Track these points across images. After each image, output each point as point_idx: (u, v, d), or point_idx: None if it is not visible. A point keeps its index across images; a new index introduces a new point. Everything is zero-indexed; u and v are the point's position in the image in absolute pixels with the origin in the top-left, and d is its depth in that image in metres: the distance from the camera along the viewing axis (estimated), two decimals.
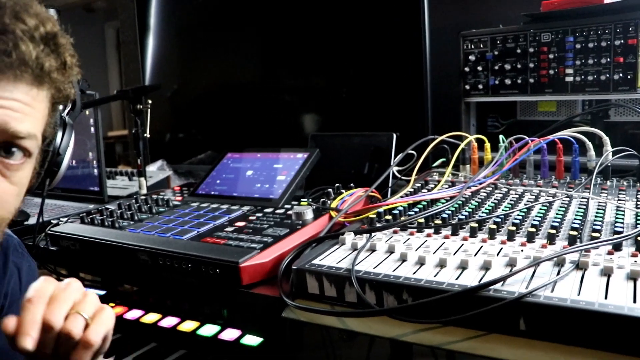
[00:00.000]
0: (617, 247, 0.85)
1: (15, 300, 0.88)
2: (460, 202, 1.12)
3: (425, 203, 1.15)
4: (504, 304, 0.71)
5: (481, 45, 1.53)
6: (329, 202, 1.28)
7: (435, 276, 0.81)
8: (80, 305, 0.68)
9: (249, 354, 1.01)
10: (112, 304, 1.23)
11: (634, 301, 0.68)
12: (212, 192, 1.48)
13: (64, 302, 0.67)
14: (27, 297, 0.66)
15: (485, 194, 1.20)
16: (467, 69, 1.55)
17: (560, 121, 1.48)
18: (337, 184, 1.38)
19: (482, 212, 1.07)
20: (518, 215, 1.02)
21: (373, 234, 1.01)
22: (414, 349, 1.32)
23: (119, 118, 5.48)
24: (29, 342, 0.62)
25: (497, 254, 0.87)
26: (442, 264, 0.84)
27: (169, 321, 1.13)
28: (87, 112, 1.77)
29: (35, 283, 0.67)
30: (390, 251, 0.92)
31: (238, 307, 1.05)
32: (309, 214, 1.19)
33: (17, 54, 0.64)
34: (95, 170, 1.81)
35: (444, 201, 1.13)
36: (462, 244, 0.93)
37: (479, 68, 1.53)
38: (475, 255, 0.88)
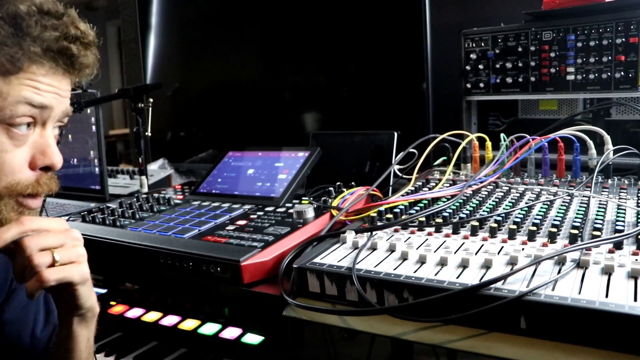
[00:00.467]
0: (618, 245, 0.85)
1: None
2: (461, 201, 1.12)
3: (426, 202, 1.15)
4: (504, 302, 0.71)
5: (482, 44, 1.53)
6: (330, 200, 1.28)
7: (436, 275, 0.81)
8: (60, 249, 0.74)
9: (250, 353, 1.01)
10: (113, 303, 1.24)
11: (635, 300, 0.68)
12: (213, 191, 1.49)
13: (50, 239, 0.74)
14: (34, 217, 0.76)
15: (486, 193, 1.20)
16: (468, 68, 1.55)
17: (561, 120, 1.48)
18: (338, 183, 1.38)
19: (483, 211, 1.07)
20: (519, 213, 1.02)
21: (374, 233, 1.01)
22: (415, 348, 1.32)
23: (120, 116, 5.49)
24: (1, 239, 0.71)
25: (498, 253, 0.87)
26: (442, 263, 0.85)
27: (170, 320, 1.13)
28: (89, 111, 1.77)
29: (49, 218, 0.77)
30: (391, 250, 0.92)
31: (239, 306, 1.05)
32: (310, 213, 1.19)
33: (79, 60, 0.77)
34: (97, 169, 1.81)
35: (445, 200, 1.13)
36: (463, 243, 0.93)
37: (480, 66, 1.53)
38: (476, 253, 0.88)
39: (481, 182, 1.24)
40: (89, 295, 0.81)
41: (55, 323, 0.97)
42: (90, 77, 0.82)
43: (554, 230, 0.90)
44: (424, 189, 1.26)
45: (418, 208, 1.12)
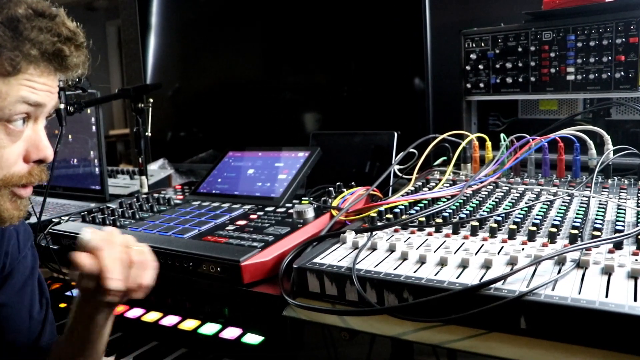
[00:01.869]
0: (618, 245, 0.85)
1: (16, 259, 1.00)
2: (461, 201, 1.12)
3: (426, 202, 1.15)
4: (504, 302, 0.71)
5: (482, 44, 1.52)
6: (330, 200, 1.28)
7: (436, 275, 0.81)
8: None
9: (250, 353, 1.01)
10: None
11: (635, 300, 0.68)
12: (214, 191, 1.49)
13: (129, 241, 0.86)
14: (96, 246, 0.81)
15: (486, 193, 1.20)
16: (468, 68, 1.55)
17: (561, 120, 1.48)
18: (338, 183, 1.38)
19: (483, 211, 1.07)
20: (519, 214, 1.02)
21: (374, 233, 1.01)
22: (415, 348, 1.32)
23: (120, 117, 5.49)
24: (118, 283, 0.80)
25: (498, 253, 0.87)
26: (442, 263, 0.84)
27: (170, 320, 1.13)
28: (89, 111, 1.77)
29: (96, 234, 0.83)
30: (391, 250, 0.92)
31: (239, 306, 1.06)
32: (310, 213, 1.19)
33: (71, 60, 0.80)
34: (97, 169, 1.81)
35: (445, 200, 1.13)
36: (463, 243, 0.93)
37: (480, 66, 1.53)
38: (476, 254, 0.88)
39: (481, 182, 1.24)
40: None
41: (48, 305, 1.05)
42: (78, 74, 0.86)
43: (554, 230, 0.90)
44: (424, 189, 1.26)
45: (418, 208, 1.12)
